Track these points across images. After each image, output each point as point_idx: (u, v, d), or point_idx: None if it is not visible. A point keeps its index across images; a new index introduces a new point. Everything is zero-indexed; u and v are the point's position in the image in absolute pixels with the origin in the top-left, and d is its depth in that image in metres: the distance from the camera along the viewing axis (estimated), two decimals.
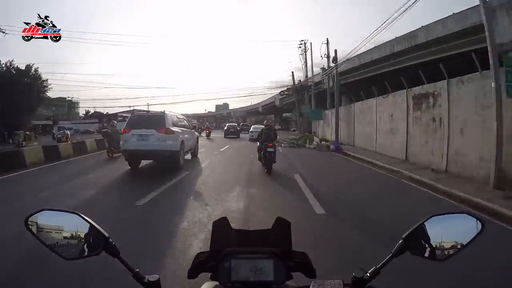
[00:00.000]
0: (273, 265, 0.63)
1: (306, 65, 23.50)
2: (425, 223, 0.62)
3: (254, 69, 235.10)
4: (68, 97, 60.54)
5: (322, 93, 20.61)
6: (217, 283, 0.67)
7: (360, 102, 12.50)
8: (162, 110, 7.48)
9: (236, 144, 15.51)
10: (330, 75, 17.10)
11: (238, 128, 23.28)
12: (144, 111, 17.28)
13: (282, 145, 14.39)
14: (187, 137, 8.02)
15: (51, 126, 36.58)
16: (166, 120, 7.07)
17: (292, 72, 41.77)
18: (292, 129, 37.06)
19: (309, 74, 23.13)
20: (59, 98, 57.96)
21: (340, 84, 16.18)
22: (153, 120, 7.08)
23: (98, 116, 46.34)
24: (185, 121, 8.54)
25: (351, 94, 16.47)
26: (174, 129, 7.22)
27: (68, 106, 57.25)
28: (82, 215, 0.60)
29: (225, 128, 23.09)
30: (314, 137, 16.71)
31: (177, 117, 7.96)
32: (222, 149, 12.10)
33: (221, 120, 68.32)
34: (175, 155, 6.98)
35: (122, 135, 7.11)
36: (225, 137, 20.49)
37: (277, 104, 45.80)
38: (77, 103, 61.27)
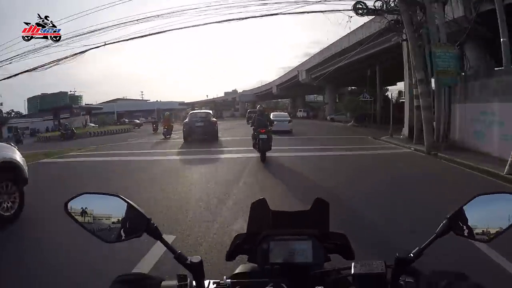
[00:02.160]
0: (311, 247, 0.67)
1: None
2: (469, 203, 0.64)
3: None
4: (70, 91, 60.39)
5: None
6: (254, 265, 0.70)
7: None
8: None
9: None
10: None
11: (214, 120, 14.20)
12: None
13: None
14: None
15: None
16: None
17: None
18: (328, 117, 33.38)
19: None
20: (60, 92, 58.30)
21: None
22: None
23: (54, 111, 39.02)
24: None
25: None
26: None
27: (71, 100, 57.31)
28: (123, 197, 0.64)
29: (186, 120, 14.12)
30: None
31: None
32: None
33: (224, 108, 62.96)
34: None
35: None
36: (185, 140, 13.09)
37: (303, 79, 35.88)
38: (80, 97, 61.48)
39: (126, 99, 66.55)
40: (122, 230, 0.63)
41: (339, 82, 35.47)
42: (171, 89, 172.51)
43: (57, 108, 40.54)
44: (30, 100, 56.17)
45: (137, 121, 41.05)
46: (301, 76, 35.89)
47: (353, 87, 45.23)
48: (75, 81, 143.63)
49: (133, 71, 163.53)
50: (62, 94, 58.46)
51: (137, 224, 0.63)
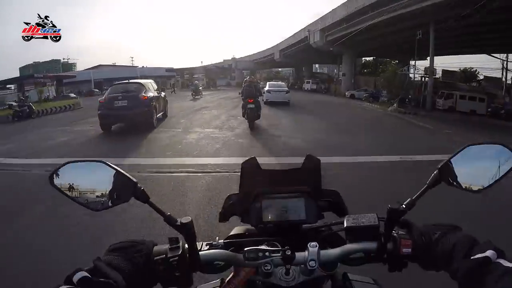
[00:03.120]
0: (304, 204, 0.69)
1: None
2: (460, 153, 0.66)
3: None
4: (63, 58, 60.06)
5: None
6: (248, 226, 0.73)
7: None
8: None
9: None
10: None
11: (148, 96, 9.52)
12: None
13: None
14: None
15: None
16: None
17: None
18: (347, 94, 27.79)
19: None
20: (53, 60, 58.74)
21: None
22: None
23: (18, 81, 33.09)
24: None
25: None
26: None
27: (63, 69, 56.86)
28: (108, 163, 0.64)
29: (101, 99, 9.64)
30: None
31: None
32: None
33: (219, 75, 57.48)
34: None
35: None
36: (104, 130, 9.13)
37: (315, 42, 29.47)
38: (74, 64, 61.76)
39: (109, 65, 62.05)
40: (109, 196, 0.64)
41: (362, 49, 30.37)
42: (165, 55, 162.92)
43: (21, 78, 35.46)
44: (23, 69, 55.74)
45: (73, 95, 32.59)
46: (313, 37, 29.88)
47: (375, 58, 40.10)
48: (69, 49, 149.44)
49: (128, 36, 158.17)
50: (55, 62, 58.50)
51: (124, 189, 0.64)
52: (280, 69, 68.98)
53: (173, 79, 51.54)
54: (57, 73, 48.28)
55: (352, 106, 19.57)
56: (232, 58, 60.28)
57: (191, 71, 54.03)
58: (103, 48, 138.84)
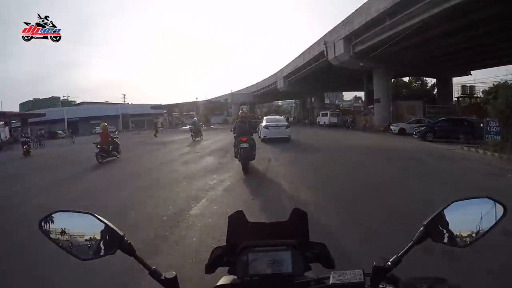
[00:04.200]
0: (291, 257, 0.71)
1: None
2: (445, 209, 0.70)
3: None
4: (63, 96, 59.80)
5: None
6: (235, 277, 0.75)
7: None
8: None
9: None
10: None
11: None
12: None
13: None
14: None
15: None
16: None
17: None
18: (394, 128, 19.14)
19: None
20: (52, 97, 57.98)
21: None
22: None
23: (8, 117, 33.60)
24: None
25: None
26: None
27: (63, 106, 54.30)
28: (96, 215, 0.69)
29: None
30: None
31: None
32: None
33: (215, 112, 51.21)
34: None
35: None
36: None
37: (337, 57, 21.56)
38: (73, 102, 60.33)
39: (93, 102, 58.82)
40: (96, 247, 0.68)
41: (400, 64, 22.29)
42: (162, 92, 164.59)
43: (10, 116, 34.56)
44: (23, 105, 56.50)
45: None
46: (332, 51, 22.05)
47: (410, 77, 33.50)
48: (71, 88, 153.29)
49: (129, 73, 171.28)
50: (54, 99, 57.16)
51: (111, 241, 0.68)
52: (280, 103, 62.36)
53: (160, 118, 45.20)
54: (24, 111, 46.66)
55: (437, 157, 9.77)
56: (230, 92, 56.37)
57: (181, 107, 47.83)
58: (106, 86, 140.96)
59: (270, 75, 42.07)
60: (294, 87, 35.26)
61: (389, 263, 0.65)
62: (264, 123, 15.47)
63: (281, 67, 36.83)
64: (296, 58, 31.34)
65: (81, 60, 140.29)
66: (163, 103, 51.64)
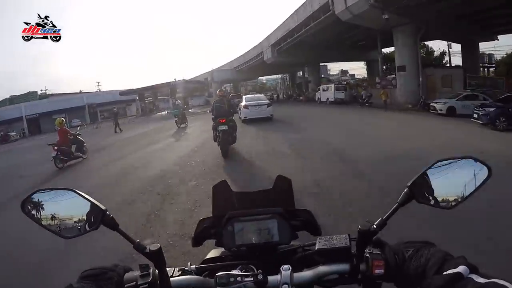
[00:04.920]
0: (277, 225, 0.72)
1: None
2: (430, 169, 0.70)
3: None
4: (41, 90, 54.51)
5: None
6: (222, 249, 0.77)
7: None
8: None
9: None
10: None
11: None
12: None
13: None
14: None
15: None
16: None
17: None
18: (436, 105, 13.77)
19: None
20: (29, 92, 53.34)
21: None
22: None
23: None
24: None
25: None
26: None
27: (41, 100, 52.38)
28: (77, 191, 0.70)
29: None
30: None
31: None
32: None
33: (193, 94, 47.51)
34: None
35: None
36: None
37: (348, 8, 16.06)
38: (52, 95, 56.80)
39: (62, 94, 53.56)
40: (78, 224, 0.70)
41: (426, 23, 17.75)
42: (137, 77, 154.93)
43: None
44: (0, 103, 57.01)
45: None
46: (341, 2, 17.04)
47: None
48: (47, 81, 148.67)
49: (104, 61, 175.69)
50: (31, 94, 52.09)
51: (93, 217, 0.69)
52: (264, 80, 55.80)
53: (133, 104, 39.20)
54: None
55: None
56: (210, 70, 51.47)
57: (155, 91, 42.38)
58: (83, 77, 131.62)
59: (254, 45, 36.53)
60: (284, 57, 29.96)
61: (374, 226, 0.65)
62: (243, 103, 14.85)
63: (268, 34, 31.35)
64: (287, 19, 25.91)
65: (54, 51, 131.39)
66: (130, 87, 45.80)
